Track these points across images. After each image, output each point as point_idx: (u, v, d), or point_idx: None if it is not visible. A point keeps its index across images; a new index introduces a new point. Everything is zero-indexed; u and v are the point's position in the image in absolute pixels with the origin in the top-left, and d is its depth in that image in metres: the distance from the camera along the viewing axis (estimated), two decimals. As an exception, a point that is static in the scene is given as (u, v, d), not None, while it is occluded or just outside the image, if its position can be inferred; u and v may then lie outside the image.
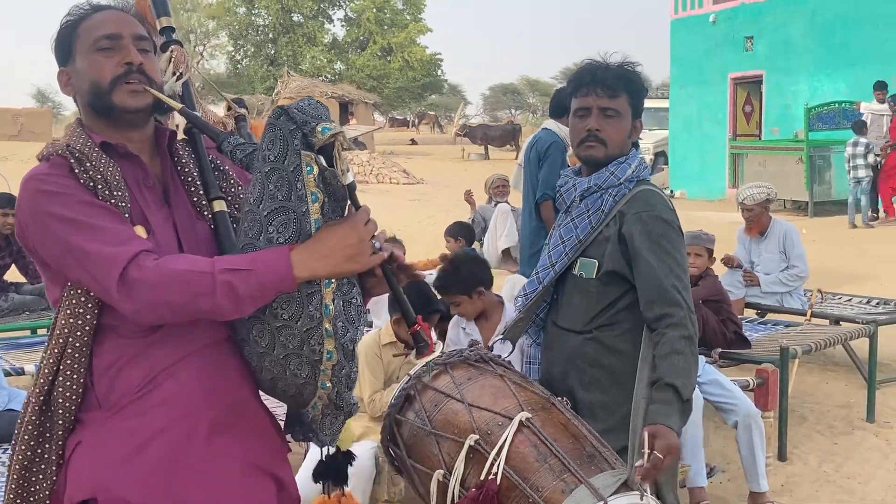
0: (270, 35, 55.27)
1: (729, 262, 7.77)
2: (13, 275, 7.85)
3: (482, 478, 2.61)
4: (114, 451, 2.18)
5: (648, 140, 26.50)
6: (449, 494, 2.71)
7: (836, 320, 7.51)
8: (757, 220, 7.91)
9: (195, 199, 2.37)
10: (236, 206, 2.41)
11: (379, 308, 5.85)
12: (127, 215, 2.19)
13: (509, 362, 3.18)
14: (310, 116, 2.12)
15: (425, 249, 11.27)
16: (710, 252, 6.46)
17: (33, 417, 2.21)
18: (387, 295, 2.62)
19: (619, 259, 3.19)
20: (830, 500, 5.31)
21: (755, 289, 7.70)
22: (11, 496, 2.23)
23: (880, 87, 17.01)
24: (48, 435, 2.23)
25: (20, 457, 2.22)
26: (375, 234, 2.23)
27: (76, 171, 2.18)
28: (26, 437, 2.22)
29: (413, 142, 51.72)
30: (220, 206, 2.37)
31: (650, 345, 3.05)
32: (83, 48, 2.29)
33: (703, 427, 5.14)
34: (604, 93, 3.24)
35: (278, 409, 2.46)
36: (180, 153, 2.40)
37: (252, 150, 2.32)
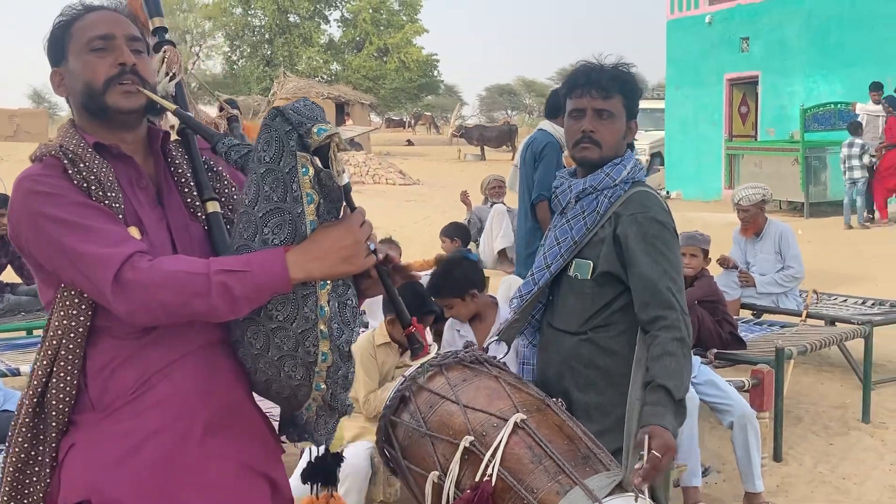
0: (267, 36, 55.22)
1: (724, 262, 7.78)
2: (9, 275, 7.85)
3: (477, 479, 2.61)
4: (108, 452, 2.17)
5: (645, 141, 26.53)
6: (444, 496, 2.71)
7: (832, 321, 7.52)
8: (752, 220, 7.92)
9: (189, 200, 2.36)
10: (230, 207, 2.40)
11: (375, 309, 5.85)
12: (121, 216, 2.19)
13: (504, 363, 3.18)
14: (305, 118, 2.11)
15: (421, 250, 11.26)
16: (706, 253, 6.47)
17: (27, 419, 2.21)
18: (381, 296, 2.62)
19: (614, 260, 3.19)
20: (826, 500, 5.31)
21: (751, 289, 7.71)
22: (5, 498, 2.23)
23: (876, 88, 17.04)
24: (42, 437, 2.22)
25: (14, 459, 2.21)
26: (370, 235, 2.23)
27: (70, 171, 2.17)
28: (20, 439, 2.21)
29: (409, 142, 51.70)
30: (213, 207, 2.37)
31: (644, 346, 3.06)
32: (76, 49, 2.28)
33: (699, 427, 5.15)
34: (598, 94, 3.24)
35: (272, 410, 2.45)
36: (173, 154, 2.40)
37: (247, 152, 2.32)
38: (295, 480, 2.72)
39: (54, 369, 2.18)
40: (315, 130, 2.10)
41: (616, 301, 3.22)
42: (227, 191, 2.43)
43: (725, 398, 5.22)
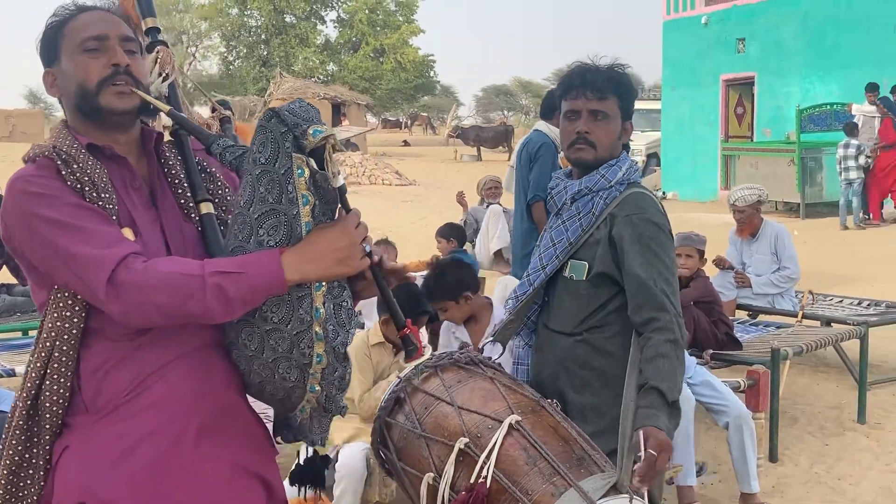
0: (263, 36, 55.17)
1: (720, 263, 7.78)
2: (4, 276, 7.82)
3: (472, 481, 2.61)
4: (102, 455, 2.17)
5: (641, 141, 26.56)
6: (439, 497, 2.71)
7: (828, 322, 7.52)
8: (748, 221, 7.92)
9: (182, 201, 2.36)
10: (223, 208, 2.40)
11: (371, 310, 5.85)
12: (114, 217, 2.18)
13: (499, 364, 3.18)
14: (301, 119, 2.11)
15: (417, 251, 11.26)
16: (702, 253, 6.47)
17: (20, 422, 2.20)
18: (376, 297, 2.62)
19: (609, 261, 3.19)
20: (821, 501, 5.32)
21: (746, 290, 7.71)
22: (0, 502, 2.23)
23: (872, 88, 17.05)
24: (36, 440, 2.22)
25: (8, 462, 2.21)
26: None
27: (63, 172, 2.16)
28: (14, 441, 2.20)
29: (405, 143, 51.73)
30: (207, 208, 2.36)
31: (638, 348, 3.06)
32: (69, 49, 2.27)
33: (695, 428, 5.15)
34: (593, 95, 3.24)
35: (267, 411, 2.45)
36: (167, 155, 2.39)
37: (242, 153, 2.32)
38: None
39: (48, 371, 2.17)
40: (311, 132, 2.09)
41: (611, 302, 3.22)
42: (220, 192, 2.43)
43: (721, 399, 5.22)
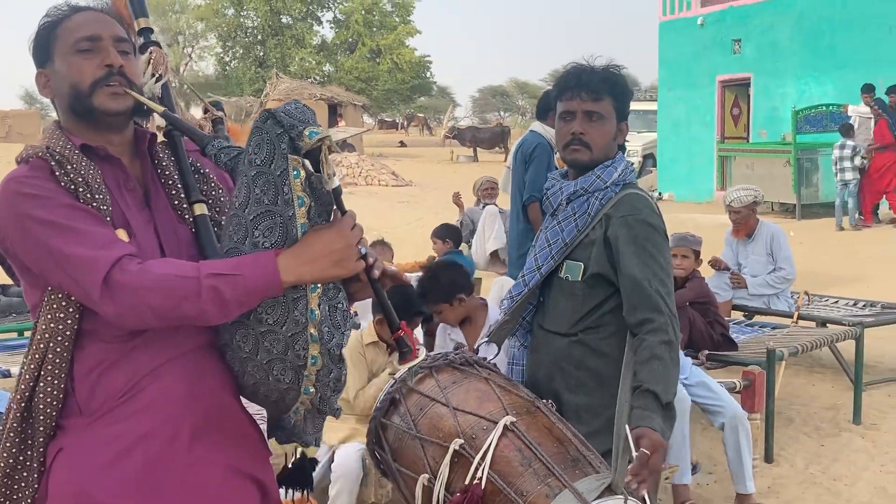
0: (259, 37, 55.14)
1: (716, 264, 7.79)
2: (0, 277, 7.81)
3: (467, 482, 2.61)
4: (96, 457, 2.16)
5: (637, 142, 26.56)
6: (434, 498, 2.71)
7: (823, 322, 7.52)
8: (744, 222, 7.93)
9: (176, 202, 2.35)
10: (217, 209, 2.39)
11: (365, 310, 5.85)
12: (108, 218, 2.17)
13: (495, 365, 3.18)
14: (297, 120, 2.10)
15: (413, 251, 11.26)
16: (697, 254, 6.48)
17: (14, 424, 2.19)
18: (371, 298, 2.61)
19: (604, 262, 3.20)
20: (817, 501, 5.32)
21: (742, 291, 7.72)
22: None
23: (868, 89, 17.06)
24: (30, 442, 2.21)
25: (2, 464, 2.20)
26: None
27: (57, 173, 2.15)
28: (8, 444, 2.19)
29: (402, 144, 51.72)
30: (200, 209, 2.35)
31: (633, 349, 3.06)
32: (62, 50, 2.26)
33: (690, 429, 5.15)
34: (588, 96, 3.24)
35: (261, 412, 2.45)
36: (160, 156, 2.38)
37: (237, 154, 2.31)
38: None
39: (41, 373, 2.16)
40: (307, 133, 2.09)
41: (606, 303, 3.22)
42: (214, 193, 2.42)
43: (717, 399, 5.23)
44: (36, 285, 2.20)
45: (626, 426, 2.82)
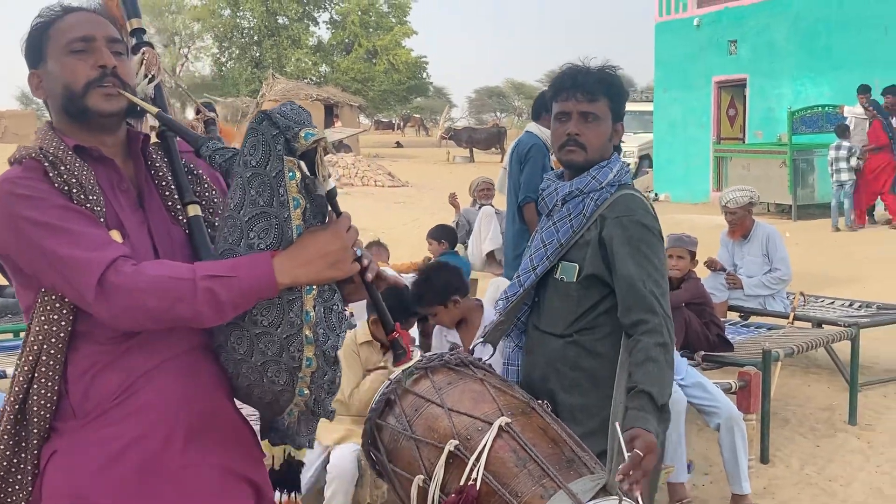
0: (255, 37, 55.12)
1: (712, 265, 7.80)
2: (-4, 278, 7.80)
3: (462, 483, 2.61)
4: (91, 459, 2.15)
5: (633, 143, 26.59)
6: (429, 499, 2.71)
7: (819, 323, 7.53)
8: (740, 223, 7.94)
9: (170, 203, 2.34)
10: (210, 210, 2.39)
11: (360, 310, 5.84)
12: (102, 220, 2.16)
13: (490, 366, 3.18)
14: (292, 122, 2.10)
15: (409, 252, 11.25)
16: (693, 255, 6.48)
17: (8, 427, 2.18)
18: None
19: (599, 263, 3.20)
20: (812, 502, 5.33)
21: (738, 292, 7.72)
22: None
23: (864, 90, 17.07)
24: (24, 444, 2.20)
25: (-4, 467, 2.20)
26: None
27: (50, 174, 2.15)
28: (2, 446, 2.19)
29: (398, 144, 51.71)
30: (194, 210, 2.34)
31: (627, 350, 3.06)
32: (55, 50, 2.25)
33: (686, 429, 5.16)
34: (583, 97, 3.24)
35: (253, 414, 2.45)
36: (153, 157, 2.38)
37: (231, 155, 2.31)
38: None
39: (35, 375, 2.16)
40: (302, 135, 2.08)
41: (601, 303, 3.22)
42: (207, 194, 2.41)
43: (712, 400, 5.23)
44: (29, 286, 2.19)
45: (619, 426, 2.82)
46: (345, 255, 2.15)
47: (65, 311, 2.15)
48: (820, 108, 18.67)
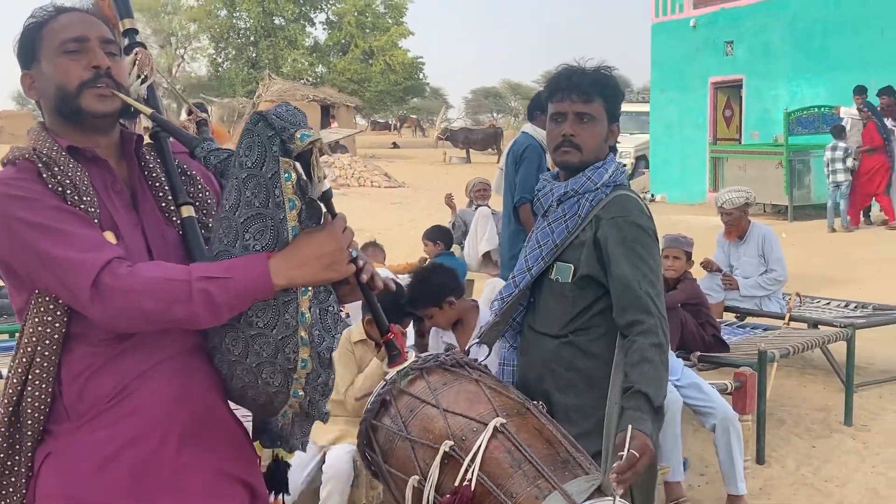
0: (252, 38, 55.09)
1: (708, 265, 7.80)
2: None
3: (456, 484, 2.61)
4: (85, 461, 2.15)
5: (629, 144, 26.59)
6: (424, 500, 2.70)
7: (815, 324, 7.54)
8: (736, 223, 7.95)
9: (163, 204, 2.33)
10: (204, 211, 2.38)
11: (355, 311, 5.84)
12: (96, 221, 2.16)
13: (486, 366, 3.18)
14: (288, 123, 2.10)
15: (406, 253, 11.25)
16: (689, 255, 6.49)
17: (2, 429, 2.18)
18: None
19: (594, 264, 3.20)
20: (808, 502, 5.33)
21: (734, 292, 7.73)
22: None
23: (860, 91, 17.08)
24: (17, 447, 2.19)
25: (-10, 469, 2.19)
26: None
27: (44, 175, 2.14)
28: None
29: (395, 145, 51.73)
30: (188, 211, 2.34)
31: (623, 351, 3.06)
32: (48, 51, 2.25)
33: (682, 430, 5.16)
34: (578, 98, 3.24)
35: (248, 416, 2.44)
36: (147, 158, 2.37)
37: (226, 156, 2.31)
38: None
39: (29, 377, 2.15)
40: (298, 136, 2.08)
41: (596, 304, 3.22)
42: (201, 195, 2.40)
43: (708, 401, 5.23)
44: (22, 288, 2.18)
45: (614, 427, 2.82)
46: (340, 256, 2.14)
47: (59, 313, 2.14)
48: (816, 109, 18.68)
